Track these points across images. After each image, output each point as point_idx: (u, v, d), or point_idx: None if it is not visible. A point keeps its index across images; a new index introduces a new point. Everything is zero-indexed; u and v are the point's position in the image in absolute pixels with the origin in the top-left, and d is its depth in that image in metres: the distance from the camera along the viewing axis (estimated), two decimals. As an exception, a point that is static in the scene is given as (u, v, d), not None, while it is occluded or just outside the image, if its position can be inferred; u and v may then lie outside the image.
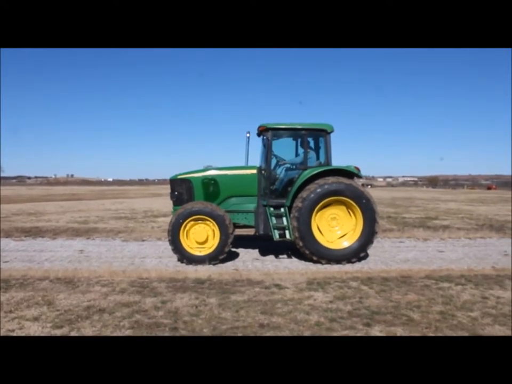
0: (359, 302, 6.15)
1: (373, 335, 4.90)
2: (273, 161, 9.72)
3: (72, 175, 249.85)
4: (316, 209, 8.92)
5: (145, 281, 7.19)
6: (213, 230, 8.84)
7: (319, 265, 8.73)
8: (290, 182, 9.54)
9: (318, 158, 9.88)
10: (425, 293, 6.64)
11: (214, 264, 8.68)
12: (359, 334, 4.91)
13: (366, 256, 9.40)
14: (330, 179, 8.96)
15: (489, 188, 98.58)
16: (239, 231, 9.84)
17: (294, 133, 9.91)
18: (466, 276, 7.85)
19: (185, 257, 8.82)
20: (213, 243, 8.83)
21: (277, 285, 6.99)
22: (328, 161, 9.53)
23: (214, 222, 8.76)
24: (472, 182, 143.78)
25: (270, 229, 9.12)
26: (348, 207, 9.16)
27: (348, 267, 8.57)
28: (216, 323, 5.21)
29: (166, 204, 29.14)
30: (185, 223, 8.79)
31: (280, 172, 10.04)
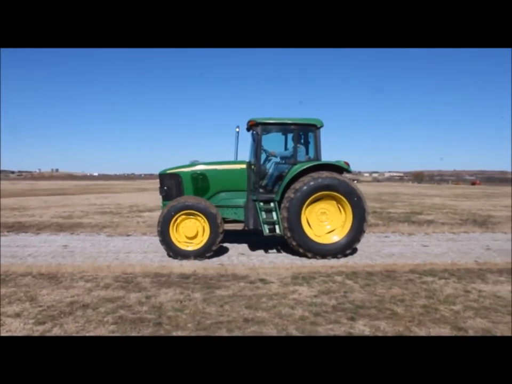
0: (343, 296, 6.18)
1: (357, 329, 4.92)
2: (263, 156, 9.70)
3: (57, 170, 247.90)
4: (307, 202, 8.94)
5: (130, 276, 7.15)
6: (203, 226, 8.80)
7: (304, 260, 8.76)
8: (280, 177, 9.54)
9: (307, 153, 9.88)
10: (409, 287, 6.69)
11: (199, 260, 8.64)
12: (343, 328, 4.92)
13: (352, 252, 9.44)
14: (324, 173, 9.00)
15: (473, 183, 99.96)
16: (226, 226, 9.80)
17: (284, 127, 9.90)
18: (450, 270, 7.95)
19: (172, 251, 8.79)
20: (201, 239, 8.80)
21: (262, 280, 6.99)
22: (318, 156, 9.57)
23: (205, 219, 8.72)
24: (457, 178, 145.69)
25: (259, 224, 9.13)
26: (339, 202, 9.20)
27: (333, 262, 8.61)
28: (201, 318, 5.20)
29: (151, 198, 29.01)
30: (176, 216, 8.73)
31: (270, 167, 10.01)
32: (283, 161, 9.87)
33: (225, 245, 10.32)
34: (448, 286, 6.83)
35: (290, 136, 10.10)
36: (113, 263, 8.23)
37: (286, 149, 10.25)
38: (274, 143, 10.02)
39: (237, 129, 10.01)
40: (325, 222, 9.27)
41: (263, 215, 9.15)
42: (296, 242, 8.91)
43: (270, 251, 9.79)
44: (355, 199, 9.07)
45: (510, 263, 8.64)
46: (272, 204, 9.29)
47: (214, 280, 6.99)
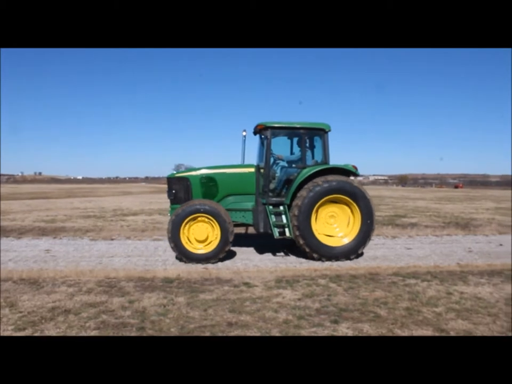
0: (327, 299, 6.20)
1: (340, 332, 4.94)
2: (271, 160, 9.73)
3: (40, 173, 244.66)
4: (316, 206, 9.03)
5: (113, 281, 7.09)
6: (214, 229, 8.78)
7: (288, 263, 8.78)
8: (289, 180, 9.61)
9: (313, 156, 9.97)
10: (392, 290, 6.74)
11: (213, 263, 8.66)
12: (326, 331, 4.94)
13: (358, 255, 9.53)
14: (331, 177, 9.11)
15: (456, 187, 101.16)
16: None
17: (292, 131, 9.92)
18: (433, 272, 8.03)
19: (184, 255, 8.72)
20: (212, 242, 8.79)
21: (246, 283, 6.99)
22: (326, 159, 9.68)
23: (216, 222, 8.70)
24: (440, 181, 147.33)
25: (270, 227, 9.15)
26: (346, 205, 9.34)
27: (317, 265, 8.64)
28: (184, 322, 5.17)
29: (136, 202, 28.90)
30: (187, 220, 8.69)
31: (278, 170, 10.07)
32: (290, 165, 9.98)
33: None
34: (430, 288, 6.89)
35: (295, 140, 10.22)
36: (96, 267, 8.15)
37: (292, 152, 10.34)
38: (279, 147, 10.02)
39: (244, 133, 10.14)
40: (334, 224, 9.44)
41: (273, 218, 9.20)
42: (309, 249, 8.98)
43: (277, 254, 9.86)
44: (363, 200, 9.23)
45: (490, 265, 8.78)
46: (281, 207, 9.35)
47: (197, 284, 6.97)
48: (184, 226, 8.71)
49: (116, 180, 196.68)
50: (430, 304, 6.05)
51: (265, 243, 10.80)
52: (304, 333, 4.89)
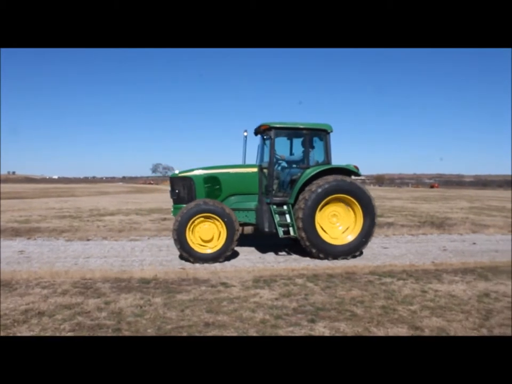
0: (304, 298, 6.24)
1: (317, 331, 4.97)
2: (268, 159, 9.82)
3: (13, 172, 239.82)
4: (319, 206, 9.16)
5: (89, 282, 7.00)
6: (219, 229, 8.81)
7: (266, 263, 8.81)
8: (292, 180, 9.72)
9: (314, 157, 10.07)
10: (368, 289, 6.82)
11: (220, 262, 8.72)
12: (303, 330, 4.97)
13: (360, 253, 9.77)
14: (333, 177, 9.28)
15: (432, 186, 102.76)
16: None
17: (295, 132, 9.99)
18: (408, 271, 8.16)
19: (191, 255, 8.69)
20: (218, 242, 8.81)
21: (224, 283, 6.98)
22: (328, 160, 9.84)
23: (222, 222, 8.72)
24: (417, 181, 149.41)
25: (274, 227, 9.20)
26: (348, 204, 9.51)
27: (294, 264, 8.68)
28: (161, 323, 5.14)
29: (113, 202, 28.57)
30: (192, 220, 8.68)
31: (281, 170, 10.14)
32: (290, 165, 10.15)
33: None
34: (406, 286, 7.00)
35: (295, 140, 10.39)
36: (71, 268, 8.03)
37: (291, 153, 10.45)
38: (279, 147, 10.01)
39: (245, 133, 10.27)
40: (337, 223, 9.64)
41: (277, 217, 9.26)
42: (315, 249, 9.10)
43: (280, 253, 9.96)
44: (365, 199, 9.43)
45: (464, 263, 8.98)
46: (285, 207, 9.45)
47: (175, 284, 6.93)
48: (190, 226, 8.69)
49: (93, 180, 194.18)
50: (405, 302, 6.14)
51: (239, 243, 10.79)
52: (281, 332, 4.91)
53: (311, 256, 9.31)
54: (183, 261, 8.87)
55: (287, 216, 9.38)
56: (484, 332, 5.01)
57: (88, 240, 11.65)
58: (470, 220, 17.75)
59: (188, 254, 8.68)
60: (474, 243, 11.96)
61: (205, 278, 7.35)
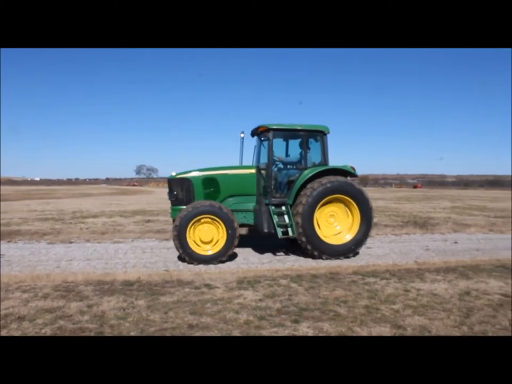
0: (288, 299, 6.25)
1: (301, 331, 4.98)
2: (265, 160, 9.94)
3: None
4: (318, 206, 9.31)
5: (71, 285, 6.91)
6: (219, 230, 8.84)
7: (250, 264, 8.80)
8: (289, 181, 9.82)
9: (311, 158, 10.15)
10: (352, 288, 6.86)
11: (223, 263, 8.80)
12: (287, 331, 4.98)
13: (356, 253, 9.94)
14: (332, 178, 9.42)
15: (415, 187, 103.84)
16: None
17: (293, 133, 10.09)
18: (391, 270, 8.24)
19: (191, 257, 8.69)
20: (218, 243, 8.84)
21: (207, 285, 6.96)
22: (325, 161, 9.97)
23: (222, 223, 8.75)
24: (400, 181, 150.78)
25: (273, 227, 9.27)
26: (346, 205, 9.66)
27: (279, 265, 8.70)
28: (144, 325, 5.11)
29: (96, 204, 28.30)
30: (193, 221, 8.70)
31: (278, 171, 10.18)
32: (285, 166, 10.24)
33: (170, 251, 10.24)
34: (389, 286, 7.06)
35: (291, 141, 10.53)
36: (53, 271, 7.93)
37: (287, 154, 10.54)
38: (275, 148, 10.01)
39: (242, 135, 10.34)
40: (334, 223, 9.79)
41: (276, 218, 9.33)
42: (309, 244, 9.21)
43: (277, 254, 10.03)
44: (362, 200, 9.60)
45: (446, 262, 9.11)
46: (283, 208, 9.53)
47: (158, 286, 6.89)
48: (190, 227, 8.71)
49: (76, 182, 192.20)
50: (388, 301, 6.19)
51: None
52: (265, 333, 4.91)
53: (310, 256, 9.41)
54: (167, 263, 8.82)
55: (286, 216, 9.46)
56: (465, 330, 5.07)
57: (70, 242, 11.51)
58: (452, 220, 17.98)
59: (187, 255, 8.68)
60: (456, 242, 12.13)
61: (188, 279, 7.32)
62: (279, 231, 9.22)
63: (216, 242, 8.85)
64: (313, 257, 9.35)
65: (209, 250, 8.82)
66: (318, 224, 9.45)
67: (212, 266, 8.57)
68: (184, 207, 9.17)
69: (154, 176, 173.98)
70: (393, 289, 6.87)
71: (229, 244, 8.77)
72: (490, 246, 11.60)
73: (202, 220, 8.77)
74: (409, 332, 4.99)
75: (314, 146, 10.11)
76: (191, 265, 8.61)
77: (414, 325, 5.22)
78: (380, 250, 10.60)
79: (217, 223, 8.80)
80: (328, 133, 9.98)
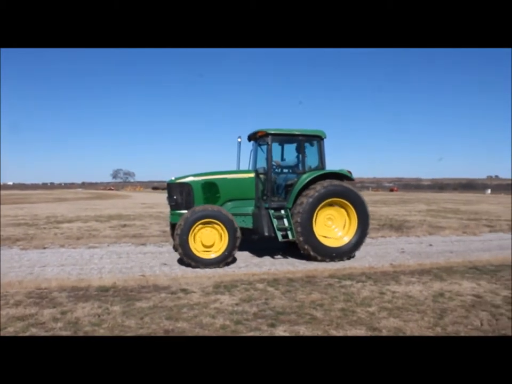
0: (264, 303, 6.25)
1: (277, 335, 4.99)
2: (262, 164, 10.20)
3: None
4: (318, 208, 9.48)
5: (44, 292, 6.77)
6: (220, 234, 8.91)
7: (226, 268, 8.77)
8: (287, 185, 10.01)
9: (307, 162, 10.28)
10: (328, 292, 6.90)
11: (221, 267, 8.82)
12: (263, 335, 4.97)
13: (354, 255, 10.11)
14: (329, 182, 9.62)
15: (391, 190, 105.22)
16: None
17: (289, 138, 10.25)
18: (367, 273, 8.31)
19: (194, 261, 8.71)
20: (219, 247, 8.90)
21: (184, 290, 6.91)
22: (322, 165, 10.17)
23: (224, 227, 8.83)
24: (377, 185, 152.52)
25: (273, 231, 9.38)
26: (343, 208, 9.83)
27: (255, 269, 8.70)
28: (119, 331, 5.04)
29: (71, 209, 27.86)
30: (194, 226, 8.73)
31: (277, 175, 10.29)
32: (285, 171, 10.44)
33: (146, 256, 10.16)
34: (365, 289, 7.12)
35: (286, 146, 10.71)
36: (26, 278, 7.76)
37: (282, 158, 10.66)
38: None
39: (239, 139, 10.56)
40: (332, 226, 10.01)
41: (275, 222, 9.44)
42: (308, 247, 9.33)
43: (276, 257, 10.15)
44: (359, 203, 9.83)
45: (421, 264, 9.23)
46: (283, 211, 9.63)
47: (134, 292, 6.81)
48: (193, 231, 8.74)
49: (51, 186, 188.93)
50: (364, 304, 6.24)
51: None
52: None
53: (309, 258, 9.54)
54: (144, 268, 8.74)
55: (285, 220, 9.57)
56: (438, 330, 5.15)
57: (44, 248, 11.30)
58: (427, 222, 18.26)
59: (189, 258, 8.70)
60: (430, 245, 12.32)
61: (165, 284, 7.26)
62: (279, 234, 9.36)
63: (218, 246, 8.94)
64: (310, 258, 9.50)
65: (212, 254, 8.89)
66: (316, 226, 9.59)
67: (188, 270, 8.52)
68: (184, 211, 9.26)
69: (131, 180, 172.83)
70: (369, 292, 6.93)
71: (231, 248, 8.86)
72: (464, 248, 11.84)
73: (204, 224, 8.85)
74: (384, 334, 5.04)
75: (309, 150, 10.28)
76: (167, 270, 8.54)
77: (389, 326, 5.28)
78: (356, 253, 10.62)
79: (218, 227, 8.88)
80: (325, 137, 10.20)
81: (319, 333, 5.06)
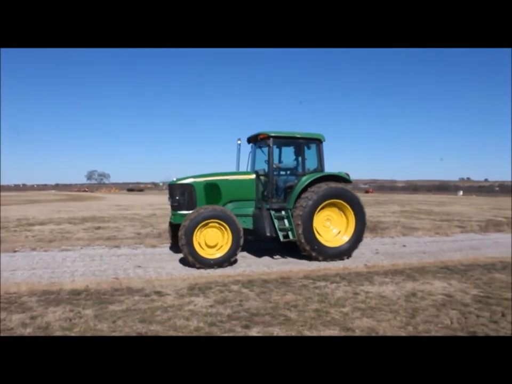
0: (239, 305, 6.24)
1: (250, 335, 4.98)
2: (261, 166, 10.47)
3: None
4: (318, 208, 9.73)
5: (13, 296, 6.62)
6: (224, 234, 9.05)
7: (202, 270, 8.71)
8: (287, 187, 10.21)
9: (306, 164, 10.50)
10: (302, 293, 6.93)
11: (225, 267, 8.96)
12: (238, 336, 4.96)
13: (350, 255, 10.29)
14: (328, 183, 9.89)
15: (366, 192, 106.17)
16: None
17: (289, 141, 10.42)
18: (341, 274, 8.38)
19: (198, 261, 8.81)
20: (223, 247, 9.04)
21: (158, 292, 6.85)
22: (321, 167, 10.45)
23: (228, 227, 8.97)
24: (352, 186, 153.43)
25: (275, 231, 9.58)
26: (340, 209, 10.17)
27: (229, 271, 8.69)
28: (91, 336, 4.95)
29: (44, 211, 27.31)
30: (199, 226, 8.85)
31: (277, 177, 10.46)
32: (282, 173, 10.63)
33: (120, 258, 10.04)
34: (339, 289, 7.18)
35: (284, 149, 10.93)
36: (-6, 282, 7.56)
37: (280, 161, 10.79)
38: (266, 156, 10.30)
39: (239, 142, 10.81)
40: (331, 226, 10.28)
41: (276, 222, 9.62)
42: (309, 246, 9.57)
43: (275, 257, 10.38)
44: (356, 204, 10.14)
45: (394, 264, 9.38)
46: (283, 212, 9.85)
47: (107, 295, 6.72)
48: (197, 231, 8.84)
49: (23, 188, 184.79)
50: (338, 304, 6.29)
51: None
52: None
53: (309, 258, 9.79)
54: (117, 270, 8.62)
55: (286, 221, 9.77)
56: (410, 330, 5.23)
57: (14, 251, 11.01)
58: (401, 223, 18.50)
59: (194, 259, 8.80)
60: (404, 245, 12.50)
61: (138, 287, 7.18)
62: (280, 234, 9.54)
63: (221, 247, 9.08)
64: (311, 258, 9.73)
65: (217, 254, 9.01)
66: (316, 227, 9.80)
67: (162, 272, 8.45)
68: (186, 212, 9.43)
69: (106, 182, 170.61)
70: (343, 292, 6.99)
71: (234, 248, 9.02)
72: (436, 248, 12.05)
73: (209, 225, 8.96)
74: (357, 334, 5.08)
75: (307, 153, 10.47)
76: (141, 272, 8.45)
77: (362, 326, 5.34)
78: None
79: (222, 227, 9.01)
80: (324, 140, 10.45)
81: (292, 333, 5.08)
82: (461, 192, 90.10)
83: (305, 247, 9.62)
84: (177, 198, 9.78)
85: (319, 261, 9.68)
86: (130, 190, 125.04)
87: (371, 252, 11.29)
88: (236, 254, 9.13)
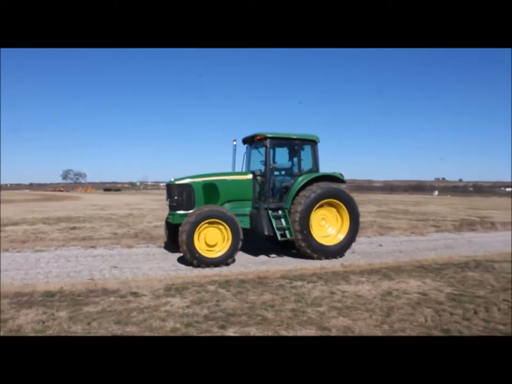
0: (215, 305, 6.22)
1: (227, 335, 4.97)
2: (256, 167, 10.57)
3: None
4: (313, 209, 9.92)
5: (-17, 299, 6.45)
6: (224, 234, 9.18)
7: (178, 271, 8.68)
8: (283, 187, 10.41)
9: (301, 165, 10.73)
10: (279, 292, 6.95)
11: (227, 265, 9.16)
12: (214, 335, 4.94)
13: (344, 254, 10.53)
14: (323, 183, 10.14)
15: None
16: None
17: (282, 142, 10.62)
18: (318, 273, 8.43)
19: (198, 260, 8.90)
20: (223, 246, 9.16)
21: (134, 293, 6.78)
22: (316, 168, 10.66)
23: (228, 227, 9.10)
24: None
25: (273, 230, 9.74)
26: (335, 208, 10.44)
27: (206, 271, 8.65)
28: (66, 336, 4.87)
29: (17, 211, 26.72)
30: (200, 226, 8.95)
31: (274, 177, 10.63)
32: (276, 173, 10.71)
33: (96, 259, 9.91)
34: (315, 289, 7.22)
35: (278, 150, 11.04)
36: (-37, 285, 7.35)
37: (274, 161, 10.79)
38: (262, 156, 10.39)
39: (234, 142, 11.05)
40: (326, 225, 10.51)
41: (274, 222, 9.80)
42: (305, 245, 9.76)
43: (271, 256, 10.57)
44: (351, 204, 10.40)
45: (371, 264, 9.49)
46: (280, 212, 10.06)
47: (82, 296, 6.62)
48: (198, 231, 8.94)
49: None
50: (314, 304, 6.32)
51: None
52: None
53: (306, 256, 9.97)
54: (93, 271, 8.50)
55: (283, 220, 9.99)
56: (386, 328, 5.29)
57: (-14, 252, 10.76)
58: (377, 223, 18.74)
59: (194, 258, 8.87)
60: (380, 245, 12.67)
61: (114, 288, 7.09)
62: (278, 233, 9.72)
63: (221, 246, 9.20)
64: (309, 257, 9.90)
65: (218, 252, 9.14)
66: (312, 226, 9.98)
67: (139, 273, 8.36)
68: (184, 211, 9.54)
69: (82, 182, 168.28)
70: (320, 292, 7.03)
71: (234, 247, 9.15)
72: (412, 247, 12.23)
73: (208, 224, 9.07)
74: (334, 333, 5.12)
75: (302, 154, 10.66)
76: (118, 273, 8.35)
77: (338, 326, 5.38)
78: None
79: (222, 227, 9.14)
80: (319, 142, 10.67)
81: (269, 333, 5.08)
82: (436, 192, 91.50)
83: (302, 245, 9.79)
84: (175, 198, 9.82)
85: (314, 259, 9.85)
86: (107, 189, 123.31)
87: (348, 251, 11.35)
88: (235, 253, 9.27)
